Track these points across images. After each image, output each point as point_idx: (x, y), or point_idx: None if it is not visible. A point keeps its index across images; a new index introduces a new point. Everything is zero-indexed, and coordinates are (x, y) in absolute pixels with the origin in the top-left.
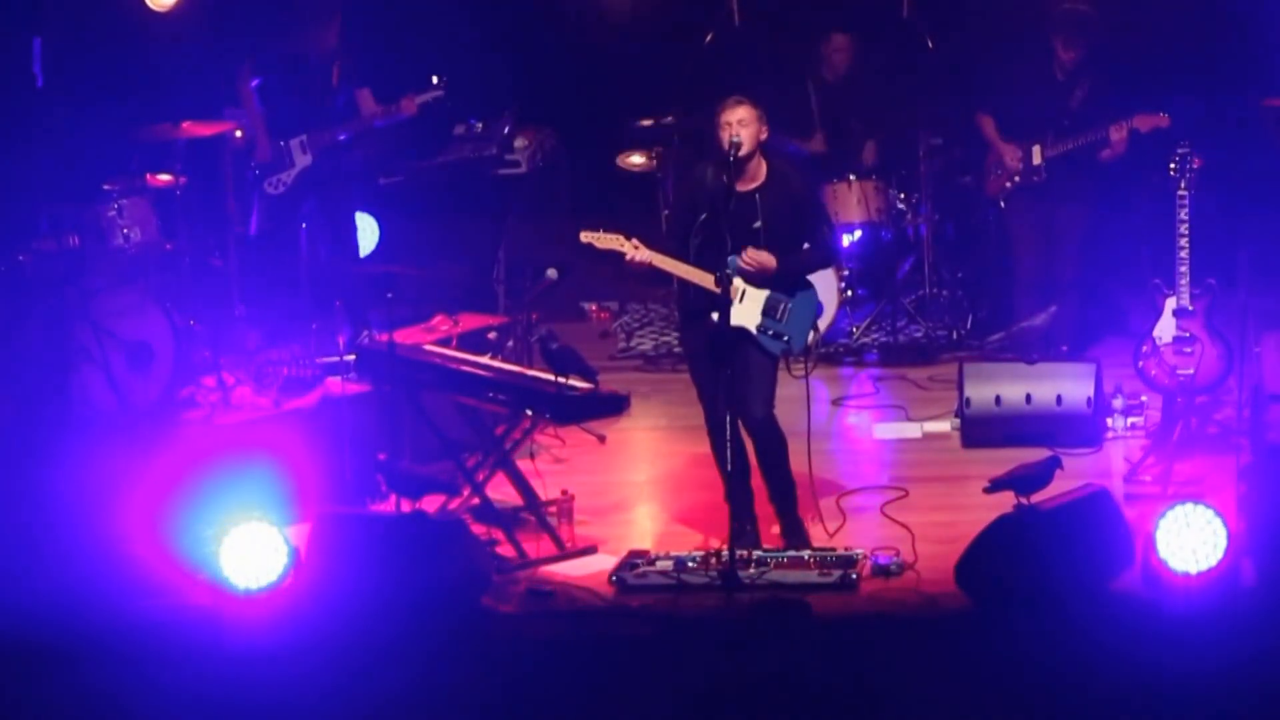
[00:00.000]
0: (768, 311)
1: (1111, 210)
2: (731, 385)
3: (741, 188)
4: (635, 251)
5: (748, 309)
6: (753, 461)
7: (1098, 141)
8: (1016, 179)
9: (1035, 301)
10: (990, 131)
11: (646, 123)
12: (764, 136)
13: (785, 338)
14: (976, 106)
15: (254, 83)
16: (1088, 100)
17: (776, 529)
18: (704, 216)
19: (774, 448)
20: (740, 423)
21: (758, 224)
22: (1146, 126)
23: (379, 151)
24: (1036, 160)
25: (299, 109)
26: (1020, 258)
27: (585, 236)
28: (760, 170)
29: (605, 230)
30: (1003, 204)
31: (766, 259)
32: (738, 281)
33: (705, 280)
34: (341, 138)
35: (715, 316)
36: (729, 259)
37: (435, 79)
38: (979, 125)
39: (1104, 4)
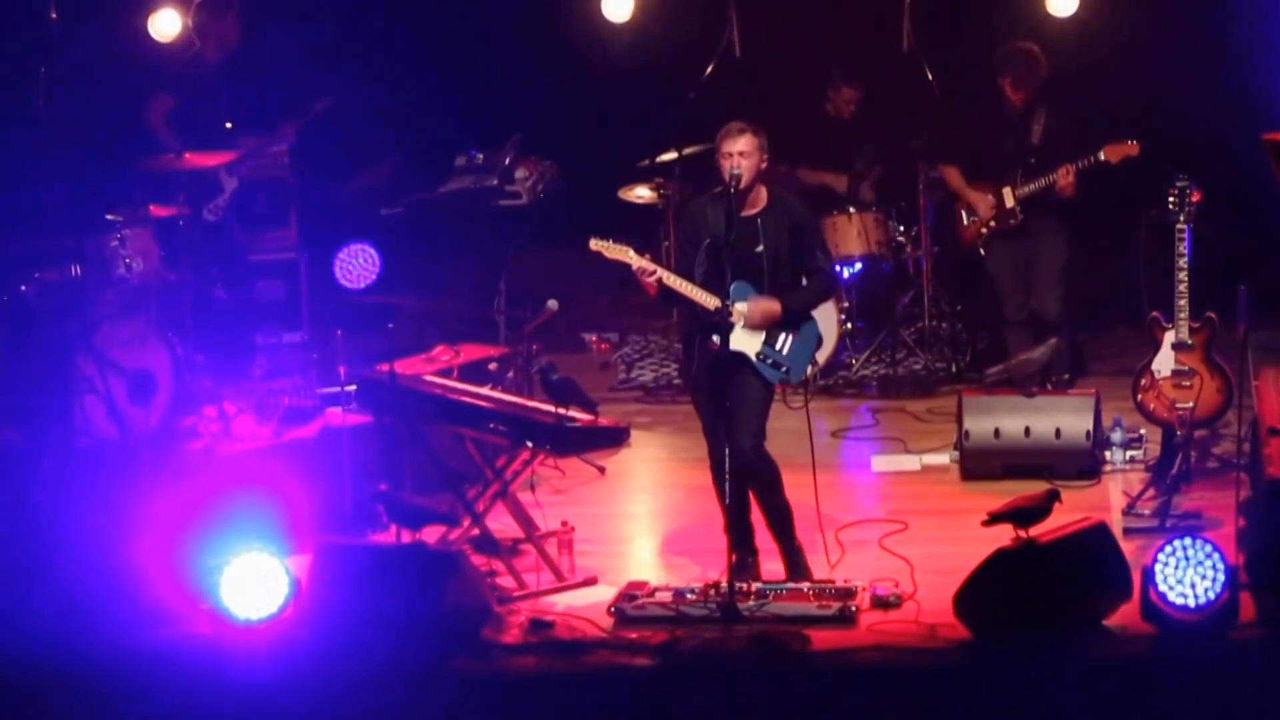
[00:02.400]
0: (769, 340)
1: (1099, 241)
2: (724, 414)
3: (743, 213)
4: (643, 264)
5: (749, 335)
6: (752, 494)
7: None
8: (992, 224)
9: (1027, 338)
10: (957, 181)
11: (645, 162)
12: (764, 166)
13: (784, 368)
14: (937, 158)
15: (168, 110)
16: (1045, 135)
17: (779, 562)
18: (707, 242)
19: (763, 478)
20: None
21: (760, 248)
22: (1117, 156)
23: (379, 182)
24: (1009, 203)
25: (210, 132)
26: (1007, 297)
27: (595, 244)
28: (761, 196)
29: (615, 241)
30: (982, 250)
31: (770, 307)
32: (740, 306)
33: (711, 301)
34: (254, 161)
35: (715, 339)
36: (732, 286)
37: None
38: (943, 177)
39: (1099, 41)
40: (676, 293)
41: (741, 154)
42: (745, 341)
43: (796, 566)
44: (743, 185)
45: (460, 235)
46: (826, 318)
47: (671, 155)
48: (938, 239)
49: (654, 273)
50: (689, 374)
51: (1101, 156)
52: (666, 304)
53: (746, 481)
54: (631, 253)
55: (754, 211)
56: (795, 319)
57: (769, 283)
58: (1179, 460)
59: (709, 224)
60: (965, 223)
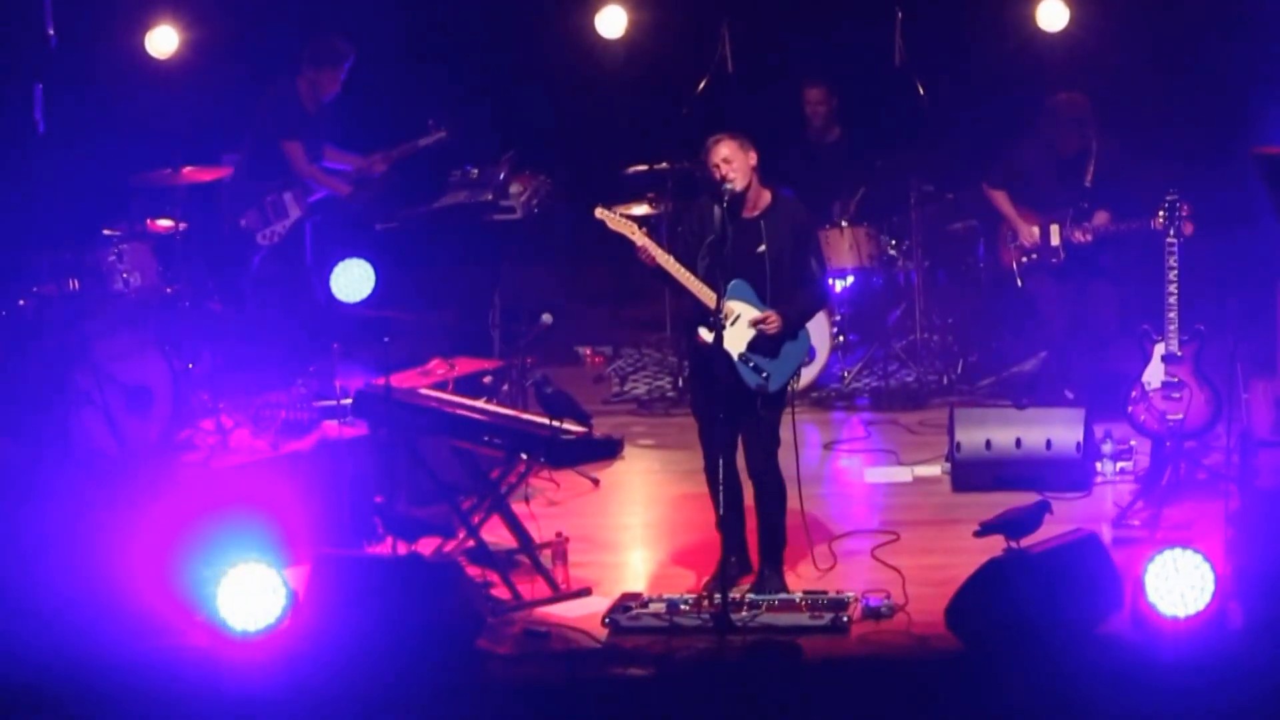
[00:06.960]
0: (754, 344)
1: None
2: (734, 426)
3: (746, 214)
4: (647, 243)
5: (737, 334)
6: (748, 500)
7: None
8: (1033, 255)
9: (1067, 366)
10: (1006, 206)
11: (641, 168)
12: (754, 163)
13: (764, 374)
14: (984, 180)
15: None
16: (1097, 178)
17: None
18: (710, 238)
19: (770, 494)
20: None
21: (762, 248)
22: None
23: (375, 197)
24: (1054, 241)
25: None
26: (1047, 326)
27: (600, 213)
28: (762, 197)
29: (622, 215)
30: (1020, 280)
31: (776, 321)
32: (733, 304)
33: (706, 294)
34: (322, 194)
35: (702, 331)
36: (731, 284)
37: (431, 122)
38: (991, 200)
39: (1091, 54)
40: (674, 280)
41: (726, 160)
42: (731, 340)
43: (765, 588)
44: (739, 189)
45: (455, 249)
46: (819, 331)
47: (664, 166)
48: (928, 252)
49: (654, 256)
50: (692, 376)
51: (1154, 226)
52: (661, 281)
53: (754, 494)
54: (637, 230)
55: (756, 213)
56: (791, 332)
57: (770, 284)
58: (1169, 472)
59: (714, 222)
60: (1008, 245)
